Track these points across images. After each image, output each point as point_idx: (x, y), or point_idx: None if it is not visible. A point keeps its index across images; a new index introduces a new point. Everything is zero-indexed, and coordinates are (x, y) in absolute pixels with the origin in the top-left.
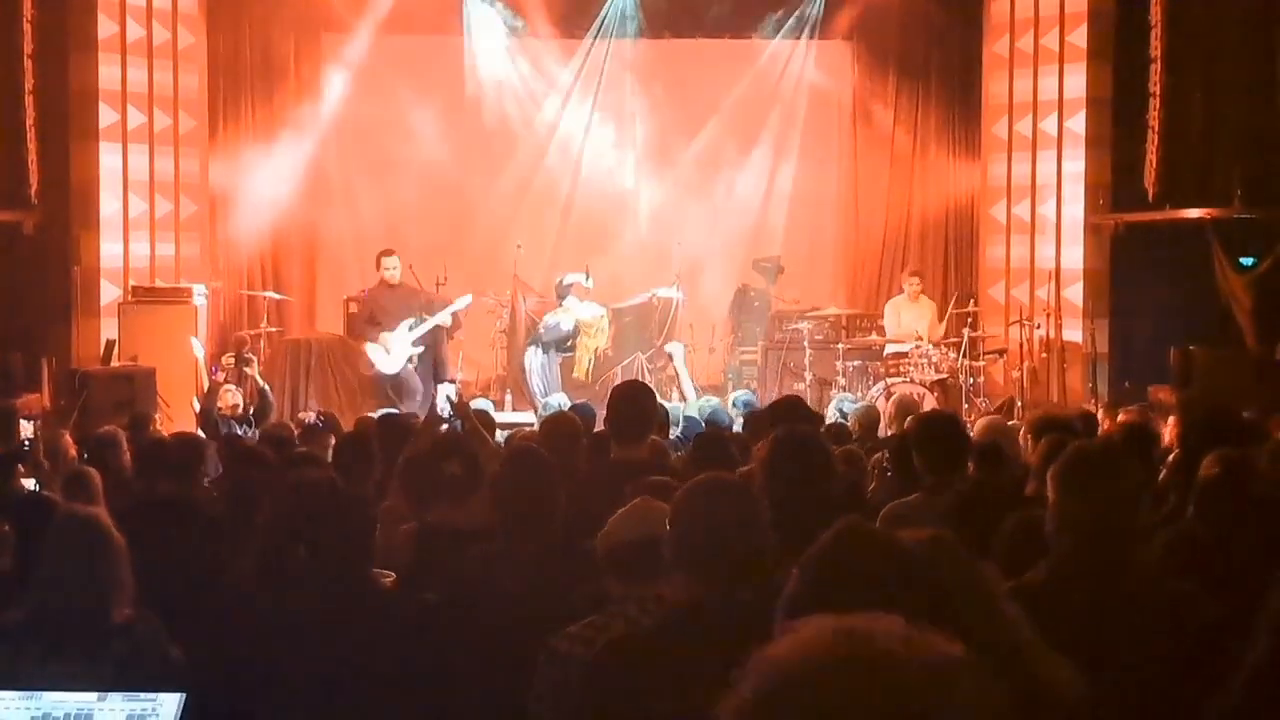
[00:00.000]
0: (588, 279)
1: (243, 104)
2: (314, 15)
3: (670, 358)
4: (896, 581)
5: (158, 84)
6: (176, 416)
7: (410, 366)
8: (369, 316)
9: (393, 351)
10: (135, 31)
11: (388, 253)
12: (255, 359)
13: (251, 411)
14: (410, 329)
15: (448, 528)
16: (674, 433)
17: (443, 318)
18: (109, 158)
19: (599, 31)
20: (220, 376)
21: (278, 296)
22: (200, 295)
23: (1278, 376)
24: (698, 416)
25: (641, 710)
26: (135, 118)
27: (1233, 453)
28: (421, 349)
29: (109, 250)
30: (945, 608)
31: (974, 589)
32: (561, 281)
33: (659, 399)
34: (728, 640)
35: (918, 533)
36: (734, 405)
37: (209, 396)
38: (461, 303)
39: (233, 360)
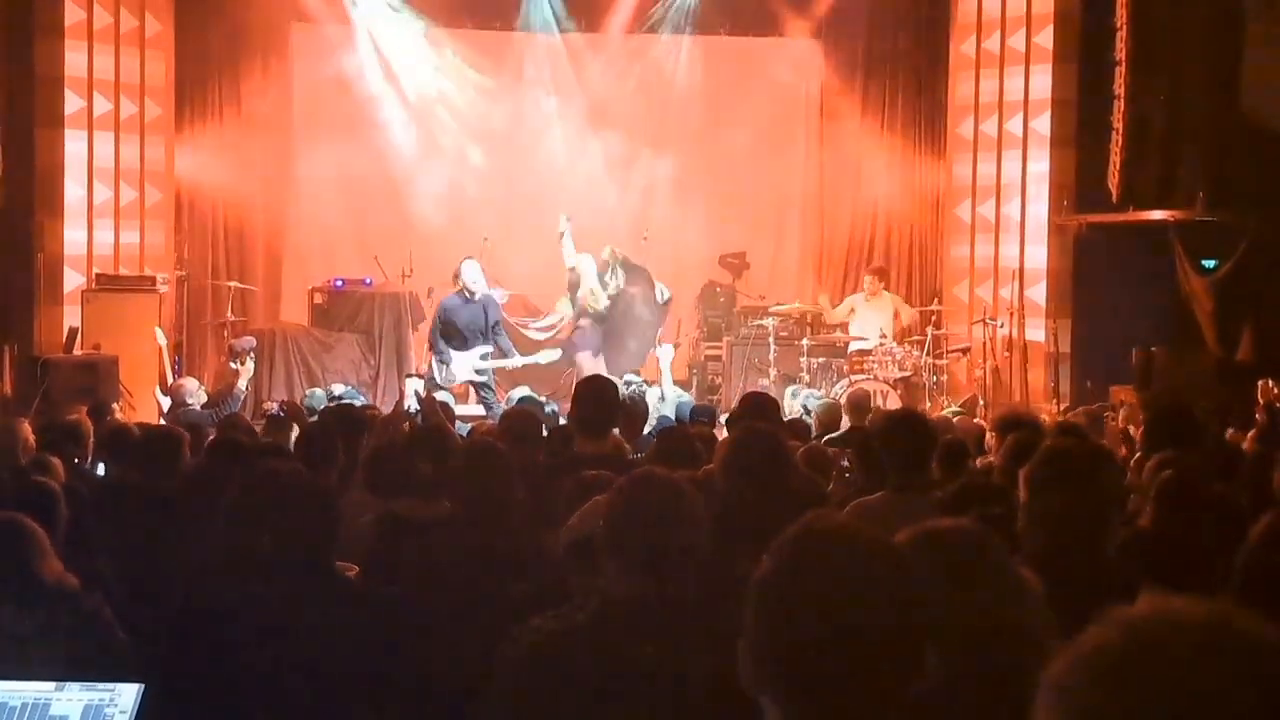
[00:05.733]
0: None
1: (209, 92)
2: (282, 4)
3: (658, 359)
4: (869, 572)
5: (124, 71)
6: (139, 405)
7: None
8: (442, 330)
9: (456, 376)
10: (102, 18)
11: (469, 260)
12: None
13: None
14: (483, 358)
15: (412, 518)
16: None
17: (514, 363)
18: (74, 144)
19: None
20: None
21: (242, 286)
22: (164, 284)
23: (1238, 378)
24: (672, 416)
25: (568, 703)
26: (101, 105)
27: (1175, 456)
28: (486, 378)
29: (73, 237)
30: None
31: (1008, 587)
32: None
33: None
34: (658, 635)
35: (957, 522)
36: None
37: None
38: (545, 356)
39: (248, 354)
